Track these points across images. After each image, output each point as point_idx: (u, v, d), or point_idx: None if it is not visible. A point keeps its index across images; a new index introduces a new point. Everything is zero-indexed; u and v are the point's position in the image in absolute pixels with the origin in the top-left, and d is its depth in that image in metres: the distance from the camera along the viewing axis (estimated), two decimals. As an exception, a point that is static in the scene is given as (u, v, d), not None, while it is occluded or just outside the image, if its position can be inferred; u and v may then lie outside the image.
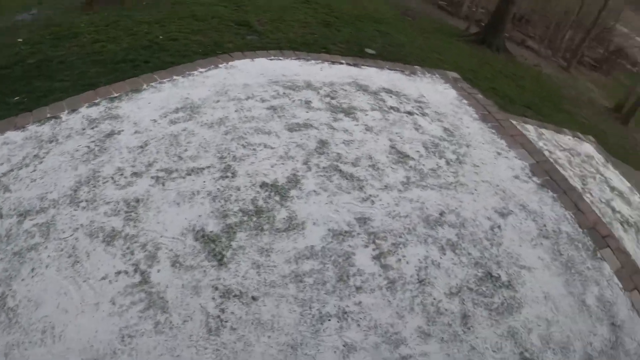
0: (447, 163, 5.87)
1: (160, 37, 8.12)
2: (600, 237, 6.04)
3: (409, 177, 5.44)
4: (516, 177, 6.10)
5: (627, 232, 7.64)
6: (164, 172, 4.60)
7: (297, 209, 4.79)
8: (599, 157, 9.51)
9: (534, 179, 6.20)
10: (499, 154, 6.47)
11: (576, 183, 7.86)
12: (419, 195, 5.21)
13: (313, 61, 8.01)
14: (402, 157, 5.73)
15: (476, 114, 7.30)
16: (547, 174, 6.66)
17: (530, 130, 8.89)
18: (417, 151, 5.94)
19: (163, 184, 4.48)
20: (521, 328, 4.41)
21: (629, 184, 9.22)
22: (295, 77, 7.26)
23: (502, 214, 5.36)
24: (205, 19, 9.21)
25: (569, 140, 9.39)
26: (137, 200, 4.28)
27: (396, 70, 8.34)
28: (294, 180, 5.10)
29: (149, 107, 5.44)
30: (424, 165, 5.72)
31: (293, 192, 5.01)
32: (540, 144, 8.52)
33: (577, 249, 5.45)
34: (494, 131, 6.97)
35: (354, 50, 9.09)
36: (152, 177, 4.52)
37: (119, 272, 3.70)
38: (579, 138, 9.83)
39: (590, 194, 7.82)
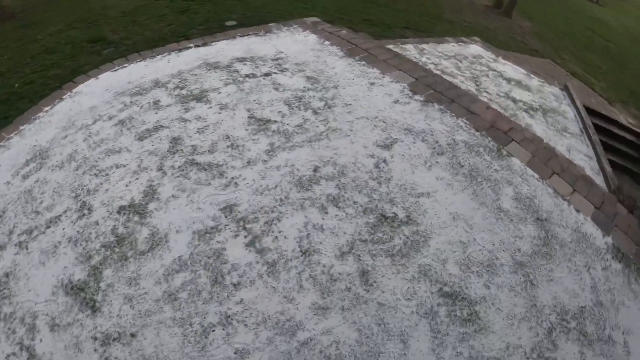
0: (315, 113, 5.17)
1: (16, 85, 7.12)
2: (502, 133, 5.51)
3: (273, 142, 4.70)
4: (395, 101, 5.47)
5: (534, 117, 7.23)
6: (25, 235, 4.21)
7: (158, 222, 4.09)
8: (487, 54, 9.08)
9: (416, 97, 5.59)
10: (372, 84, 5.82)
11: (469, 86, 7.34)
12: (286, 158, 4.48)
13: (159, 56, 7.08)
14: (262, 124, 4.98)
15: (341, 52, 6.62)
16: (430, 88, 6.06)
17: (410, 49, 8.31)
18: (279, 112, 5.20)
19: (27, 248, 4.10)
20: (433, 262, 3.81)
21: (523, 71, 8.84)
22: (141, 80, 6.37)
23: (385, 146, 4.72)
24: (58, 49, 8.17)
25: (454, 47, 8.88)
26: (7, 275, 3.94)
27: (249, 35, 7.51)
28: (151, 193, 4.33)
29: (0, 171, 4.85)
30: (288, 124, 4.99)
31: (151, 206, 4.25)
32: (423, 59, 7.96)
33: (478, 155, 4.89)
34: (363, 63, 6.31)
35: (214, 28, 8.23)
36: (15, 245, 4.15)
37: (8, 356, 3.44)
38: (464, 42, 9.35)
39: (487, 92, 7.34)
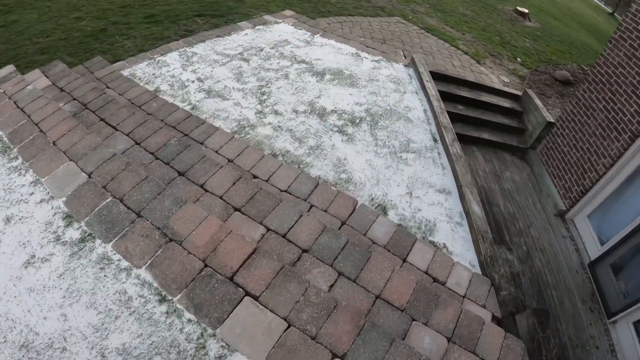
0: None
1: None
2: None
3: None
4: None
5: (354, 139, 4.34)
6: None
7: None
8: (299, 35, 6.11)
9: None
10: None
11: (236, 105, 4.30)
12: None
13: None
14: None
15: None
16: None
17: (173, 59, 5.15)
18: None
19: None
20: None
21: (352, 49, 5.96)
22: None
23: None
24: None
25: (246, 36, 5.84)
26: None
27: None
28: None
29: None
30: None
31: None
32: (189, 70, 4.82)
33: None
34: None
35: None
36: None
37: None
38: (268, 22, 6.30)
39: (274, 114, 4.30)
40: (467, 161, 4.71)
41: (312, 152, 4.19)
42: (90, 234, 2.83)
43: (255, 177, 3.73)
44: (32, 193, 3.17)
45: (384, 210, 3.78)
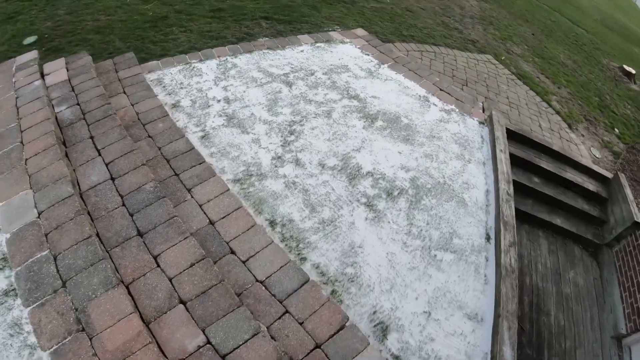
0: None
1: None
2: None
3: None
4: None
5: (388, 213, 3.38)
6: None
7: None
8: (363, 62, 5.26)
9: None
10: None
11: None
12: None
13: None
14: None
15: None
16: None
17: (209, 70, 4.47)
18: None
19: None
20: None
21: (422, 90, 4.97)
22: None
23: None
24: None
25: (302, 54, 5.11)
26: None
27: None
28: None
29: None
30: None
31: None
32: (234, 83, 4.11)
33: None
34: None
35: None
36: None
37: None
38: (332, 40, 5.47)
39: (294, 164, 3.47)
40: (517, 279, 3.60)
41: (321, 228, 3.29)
42: (14, 290, 2.49)
43: (232, 252, 2.90)
44: None
45: (384, 332, 2.84)
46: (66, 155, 3.32)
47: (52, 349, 2.22)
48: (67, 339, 2.25)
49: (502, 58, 7.99)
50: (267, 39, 5.65)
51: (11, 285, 2.51)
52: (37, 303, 2.41)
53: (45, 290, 2.46)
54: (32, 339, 2.28)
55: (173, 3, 6.48)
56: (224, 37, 5.66)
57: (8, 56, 5.24)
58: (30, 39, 5.68)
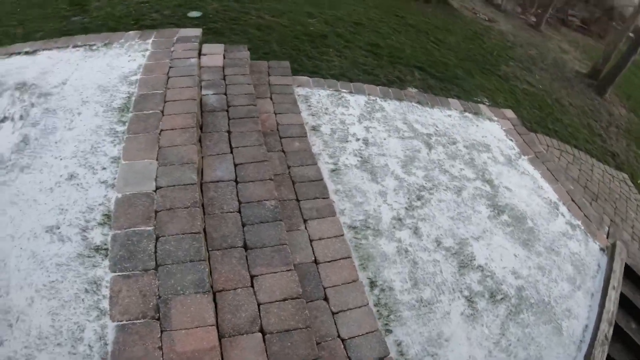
0: None
1: None
2: None
3: None
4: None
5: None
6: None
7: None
8: (506, 144, 5.24)
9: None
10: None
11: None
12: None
13: None
14: None
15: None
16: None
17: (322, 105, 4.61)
18: None
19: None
20: None
21: (554, 195, 4.85)
22: None
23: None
24: None
25: (449, 117, 5.12)
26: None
27: None
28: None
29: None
30: None
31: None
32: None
33: None
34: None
35: None
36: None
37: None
38: (480, 115, 5.46)
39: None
40: None
41: (417, 306, 3.28)
42: (106, 250, 2.53)
43: (326, 299, 2.95)
44: (104, 168, 2.98)
45: None
46: (199, 140, 3.43)
47: (120, 323, 2.22)
48: (139, 321, 2.24)
49: (639, 181, 7.51)
50: (416, 90, 5.70)
51: (105, 244, 2.55)
52: (123, 273, 2.41)
53: (135, 265, 2.46)
54: (105, 304, 2.30)
55: (335, 25, 6.69)
56: (376, 74, 5.77)
57: (170, 22, 5.62)
58: (195, 14, 6.00)
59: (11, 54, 4.39)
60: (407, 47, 6.90)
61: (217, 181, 3.15)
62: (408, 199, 3.98)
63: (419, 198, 4.04)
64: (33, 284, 2.40)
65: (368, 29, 7.03)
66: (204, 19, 5.99)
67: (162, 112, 3.43)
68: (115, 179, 2.95)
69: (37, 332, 2.22)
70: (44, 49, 4.42)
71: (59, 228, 2.67)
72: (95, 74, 4.01)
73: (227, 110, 3.74)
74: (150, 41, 4.36)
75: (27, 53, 4.32)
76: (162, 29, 4.98)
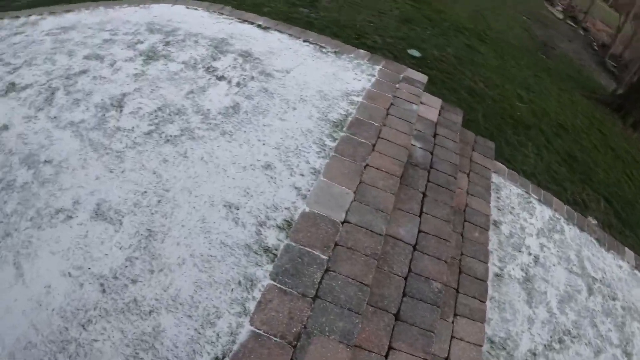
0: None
1: None
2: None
3: None
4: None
5: None
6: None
7: None
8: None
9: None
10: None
11: None
12: None
13: None
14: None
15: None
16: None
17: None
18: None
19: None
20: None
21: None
22: None
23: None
24: None
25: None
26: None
27: None
28: None
29: None
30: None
31: None
32: None
33: None
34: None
35: None
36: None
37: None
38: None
39: None
40: None
41: None
42: (275, 255, 2.52)
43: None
44: (302, 175, 3.04)
45: None
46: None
47: (257, 330, 2.17)
48: (276, 338, 2.18)
49: None
50: (596, 223, 5.31)
51: (275, 249, 2.52)
52: (282, 287, 2.38)
53: (296, 284, 2.41)
54: (251, 306, 2.25)
55: (541, 120, 6.42)
56: (564, 188, 5.47)
57: (390, 50, 5.66)
58: (415, 53, 6.03)
59: (245, 21, 4.67)
60: (602, 170, 6.46)
61: (398, 239, 3.12)
62: (551, 337, 3.73)
63: (560, 341, 3.77)
64: (191, 246, 2.45)
65: (570, 137, 6.68)
66: (421, 61, 6.04)
67: (374, 146, 3.44)
68: (309, 190, 2.96)
69: (174, 293, 2.27)
70: (276, 30, 4.67)
71: (237, 209, 2.71)
72: (320, 77, 4.12)
73: (428, 171, 3.70)
74: (378, 68, 4.43)
75: (259, 26, 4.58)
76: (384, 56, 5.04)
